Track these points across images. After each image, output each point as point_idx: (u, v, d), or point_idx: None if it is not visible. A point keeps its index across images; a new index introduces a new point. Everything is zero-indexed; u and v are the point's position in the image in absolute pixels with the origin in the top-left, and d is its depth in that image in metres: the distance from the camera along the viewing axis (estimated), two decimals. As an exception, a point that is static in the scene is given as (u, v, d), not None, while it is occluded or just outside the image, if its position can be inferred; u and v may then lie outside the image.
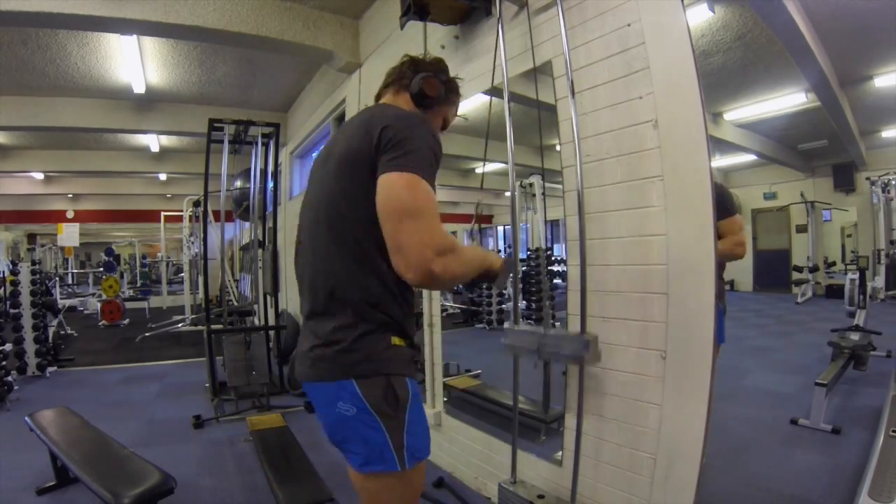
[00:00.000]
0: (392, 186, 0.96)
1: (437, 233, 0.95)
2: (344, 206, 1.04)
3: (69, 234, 9.91)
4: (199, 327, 6.01)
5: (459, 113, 1.43)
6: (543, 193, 5.23)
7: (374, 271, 1.02)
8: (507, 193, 2.01)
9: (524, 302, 4.32)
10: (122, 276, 11.65)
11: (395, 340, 1.06)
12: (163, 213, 10.08)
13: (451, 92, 1.29)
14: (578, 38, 1.84)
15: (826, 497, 2.18)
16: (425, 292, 2.80)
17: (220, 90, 5.38)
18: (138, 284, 13.17)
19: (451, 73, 1.33)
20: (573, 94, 1.75)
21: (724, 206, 1.96)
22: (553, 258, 5.29)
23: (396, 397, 1.02)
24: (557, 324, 1.93)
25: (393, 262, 0.97)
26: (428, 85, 1.20)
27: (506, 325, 1.95)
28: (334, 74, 4.28)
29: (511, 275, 1.27)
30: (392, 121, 1.02)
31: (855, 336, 4.08)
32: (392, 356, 1.04)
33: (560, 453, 2.00)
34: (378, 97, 1.31)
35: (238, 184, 4.89)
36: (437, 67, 1.28)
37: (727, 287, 10.63)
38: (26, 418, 2.47)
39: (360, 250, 1.02)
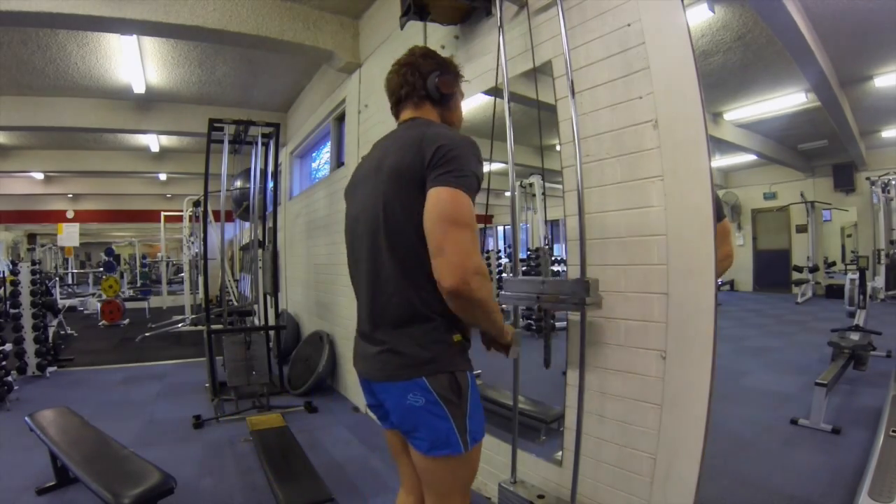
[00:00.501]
0: (440, 199, 1.06)
1: (477, 250, 1.05)
2: (401, 216, 1.12)
3: (69, 234, 9.92)
4: (199, 327, 6.01)
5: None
6: (543, 193, 5.23)
7: (427, 275, 1.09)
8: (507, 193, 2.01)
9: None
10: (122, 276, 11.67)
11: (456, 338, 1.15)
12: (163, 213, 10.09)
13: (457, 75, 1.34)
14: (578, 38, 1.84)
15: (826, 497, 2.18)
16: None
17: (220, 90, 5.38)
18: (138, 284, 13.16)
19: None
20: (573, 94, 1.75)
21: (716, 210, 1.93)
22: (553, 258, 5.29)
23: (459, 387, 1.13)
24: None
25: (433, 266, 1.05)
26: (443, 83, 1.28)
27: (504, 276, 1.92)
28: (334, 74, 4.28)
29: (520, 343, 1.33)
30: (445, 140, 1.11)
31: (855, 336, 4.08)
32: (455, 353, 1.15)
33: (560, 453, 2.00)
34: (397, 114, 1.33)
35: (238, 184, 4.88)
36: (434, 61, 1.31)
37: (727, 287, 10.63)
38: (26, 418, 2.47)
39: (415, 256, 1.11)
